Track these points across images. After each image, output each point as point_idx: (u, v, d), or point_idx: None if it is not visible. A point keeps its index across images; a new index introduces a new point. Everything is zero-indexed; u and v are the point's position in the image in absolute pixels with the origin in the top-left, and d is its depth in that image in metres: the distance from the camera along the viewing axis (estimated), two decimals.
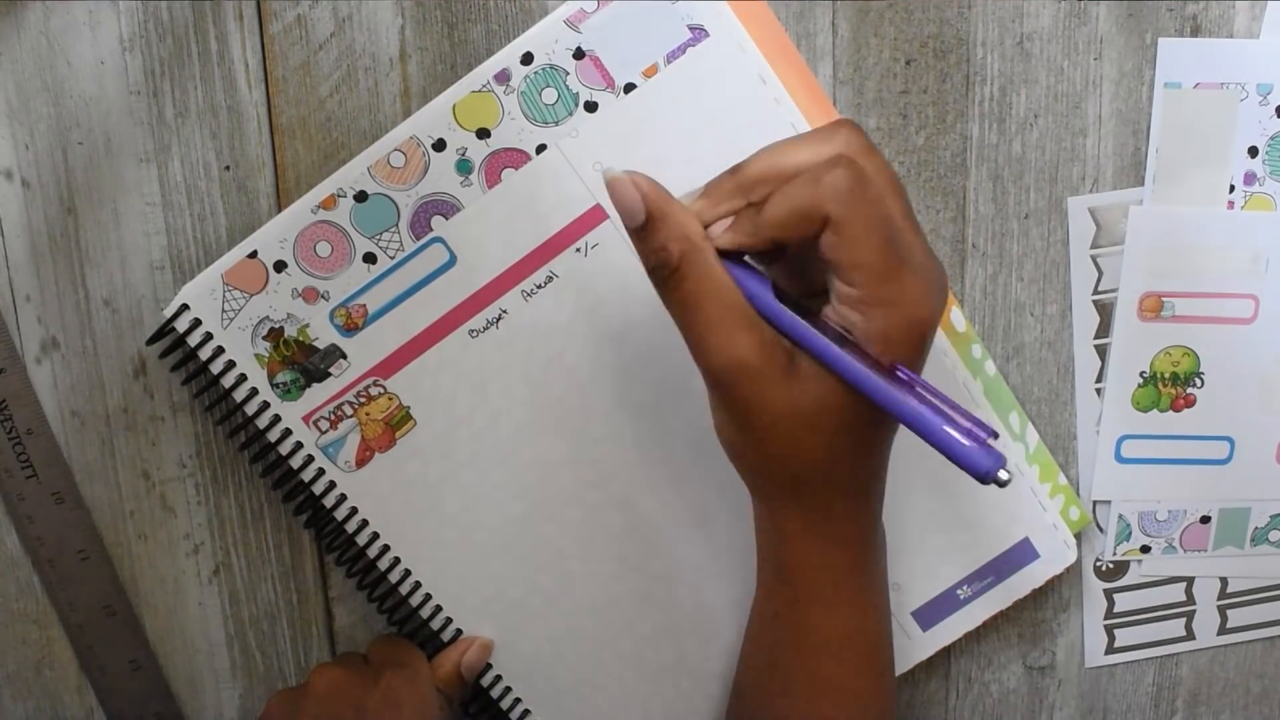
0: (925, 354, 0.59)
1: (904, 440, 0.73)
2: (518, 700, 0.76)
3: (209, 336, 0.68)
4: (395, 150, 0.67)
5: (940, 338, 0.74)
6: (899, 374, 0.57)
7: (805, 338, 0.58)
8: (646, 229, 0.59)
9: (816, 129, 0.59)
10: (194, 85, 0.68)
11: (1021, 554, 0.77)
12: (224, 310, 0.68)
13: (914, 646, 0.78)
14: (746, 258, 0.60)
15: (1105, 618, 0.82)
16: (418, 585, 0.73)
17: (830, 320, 0.58)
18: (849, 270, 0.56)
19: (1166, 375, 0.78)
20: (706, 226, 0.59)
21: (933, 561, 0.77)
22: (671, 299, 0.60)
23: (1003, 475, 0.55)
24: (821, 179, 0.56)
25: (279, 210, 0.70)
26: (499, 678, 0.75)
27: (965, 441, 0.55)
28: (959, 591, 0.77)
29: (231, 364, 0.69)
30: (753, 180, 0.58)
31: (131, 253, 0.69)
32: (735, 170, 0.59)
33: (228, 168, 0.69)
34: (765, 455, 0.61)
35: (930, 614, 0.78)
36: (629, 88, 0.68)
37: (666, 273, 0.59)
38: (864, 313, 0.57)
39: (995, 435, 0.56)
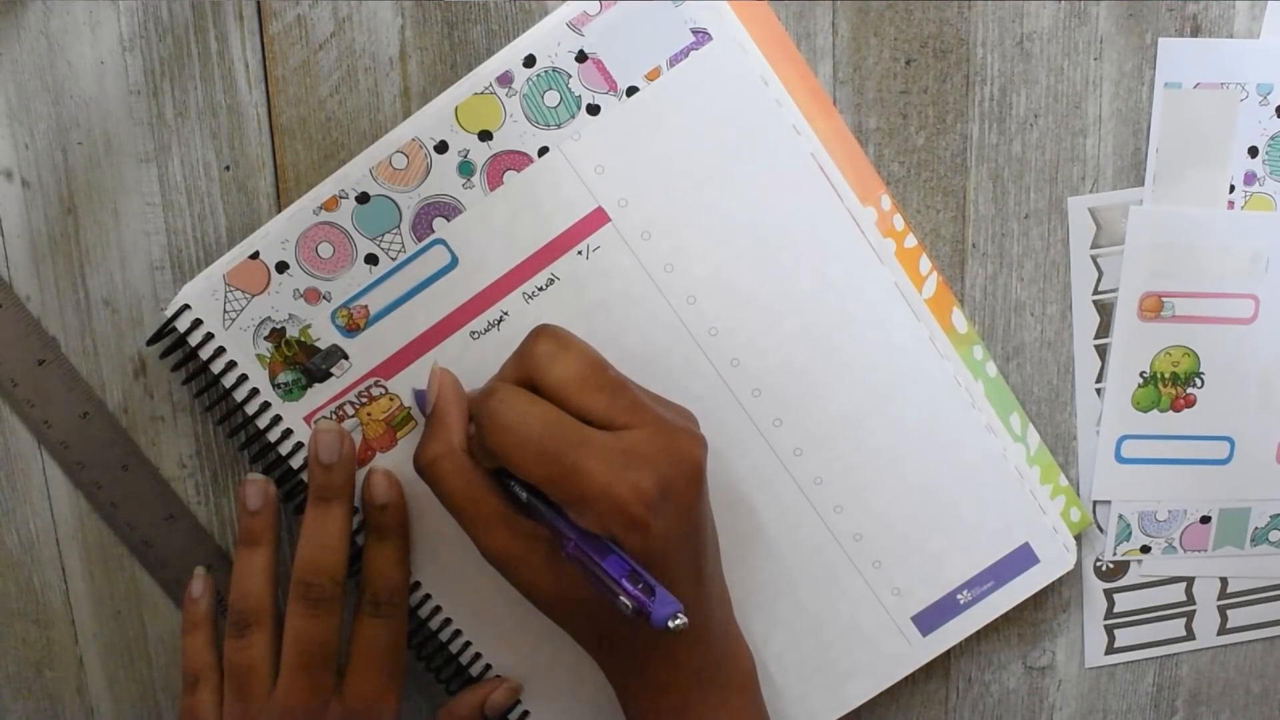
0: (652, 528, 0.64)
1: (904, 445, 0.75)
2: (517, 701, 0.77)
3: (210, 336, 0.70)
4: (397, 152, 0.69)
5: (942, 340, 0.75)
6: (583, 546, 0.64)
7: (554, 525, 0.66)
8: (427, 428, 0.69)
9: (520, 344, 0.68)
10: (194, 85, 0.69)
11: (1021, 558, 0.78)
12: (225, 310, 0.69)
13: (914, 651, 0.79)
14: None
15: (1105, 618, 0.83)
16: (417, 585, 0.74)
17: None
18: (539, 486, 0.65)
19: (1166, 375, 0.79)
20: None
21: (933, 566, 0.78)
22: (435, 492, 0.68)
23: (674, 622, 0.61)
24: (477, 419, 0.66)
25: (279, 210, 0.71)
26: (500, 678, 0.77)
27: (637, 596, 0.62)
28: (959, 596, 0.78)
29: (233, 364, 0.70)
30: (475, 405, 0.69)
31: (131, 253, 0.71)
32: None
33: (228, 168, 0.70)
34: (562, 622, 0.70)
35: (930, 619, 0.79)
36: (631, 90, 0.69)
37: (425, 468, 0.68)
38: (570, 511, 0.65)
39: (659, 596, 0.62)
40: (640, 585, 0.62)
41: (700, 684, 0.70)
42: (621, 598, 0.62)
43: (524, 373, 0.66)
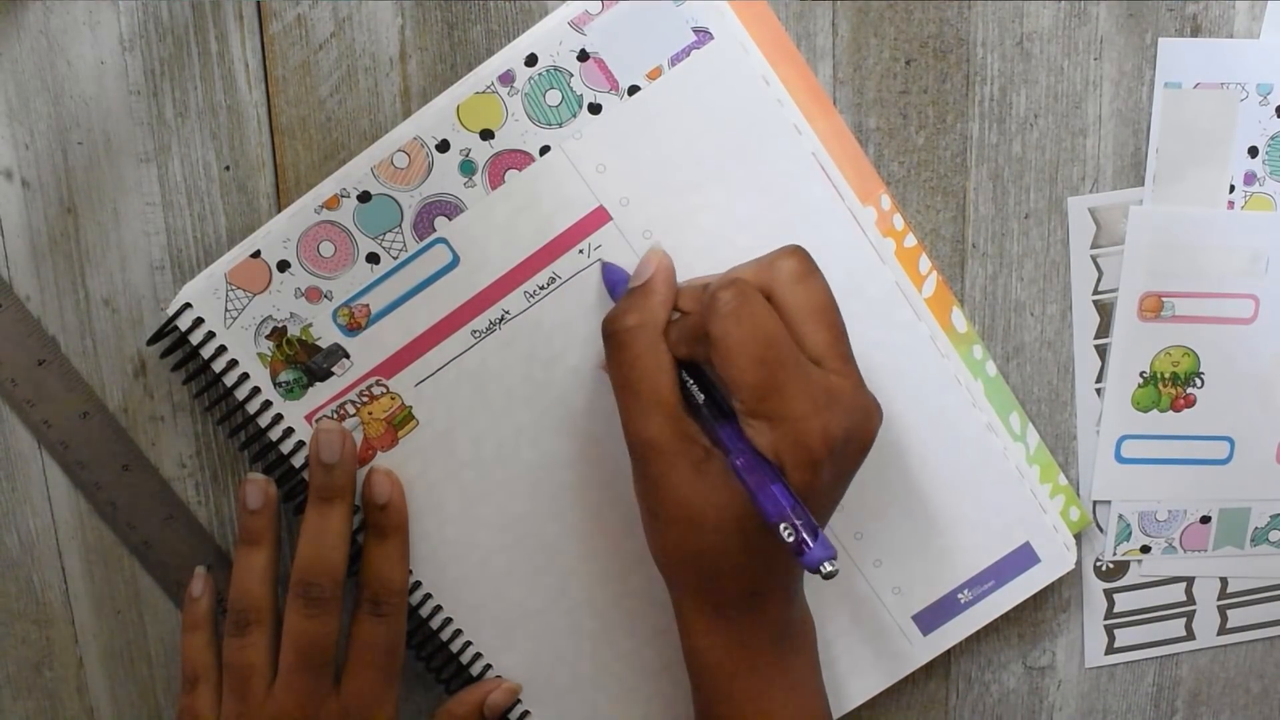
0: (820, 477, 0.64)
1: (904, 444, 0.76)
2: (518, 700, 0.78)
3: (211, 335, 0.70)
4: (399, 151, 0.69)
5: (942, 340, 0.76)
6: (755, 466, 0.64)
7: (717, 436, 0.66)
8: (629, 296, 0.68)
9: (769, 254, 0.66)
10: (194, 85, 0.70)
11: (1022, 558, 0.79)
12: (227, 309, 0.70)
13: (914, 651, 0.80)
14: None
15: (1105, 618, 0.84)
16: (418, 584, 0.75)
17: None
18: (729, 386, 0.63)
19: (1166, 375, 0.79)
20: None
21: (934, 565, 0.79)
22: (611, 359, 0.68)
23: (827, 567, 0.61)
24: (709, 301, 0.63)
25: (279, 210, 0.71)
26: (499, 678, 0.77)
27: (802, 534, 0.62)
28: (959, 595, 0.79)
29: (234, 363, 0.71)
30: (689, 294, 0.67)
31: (131, 253, 0.71)
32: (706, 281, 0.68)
33: (228, 168, 0.71)
34: (669, 540, 0.68)
35: (931, 618, 0.79)
36: (633, 90, 0.70)
37: (616, 333, 0.67)
38: (750, 425, 0.63)
39: (832, 554, 0.62)
40: (803, 522, 0.62)
41: (779, 642, 0.70)
42: (784, 526, 0.62)
43: (764, 280, 0.65)
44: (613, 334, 0.67)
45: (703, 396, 0.66)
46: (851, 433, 0.64)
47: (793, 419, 0.62)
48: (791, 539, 0.61)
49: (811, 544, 0.61)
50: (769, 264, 0.66)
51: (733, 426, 0.65)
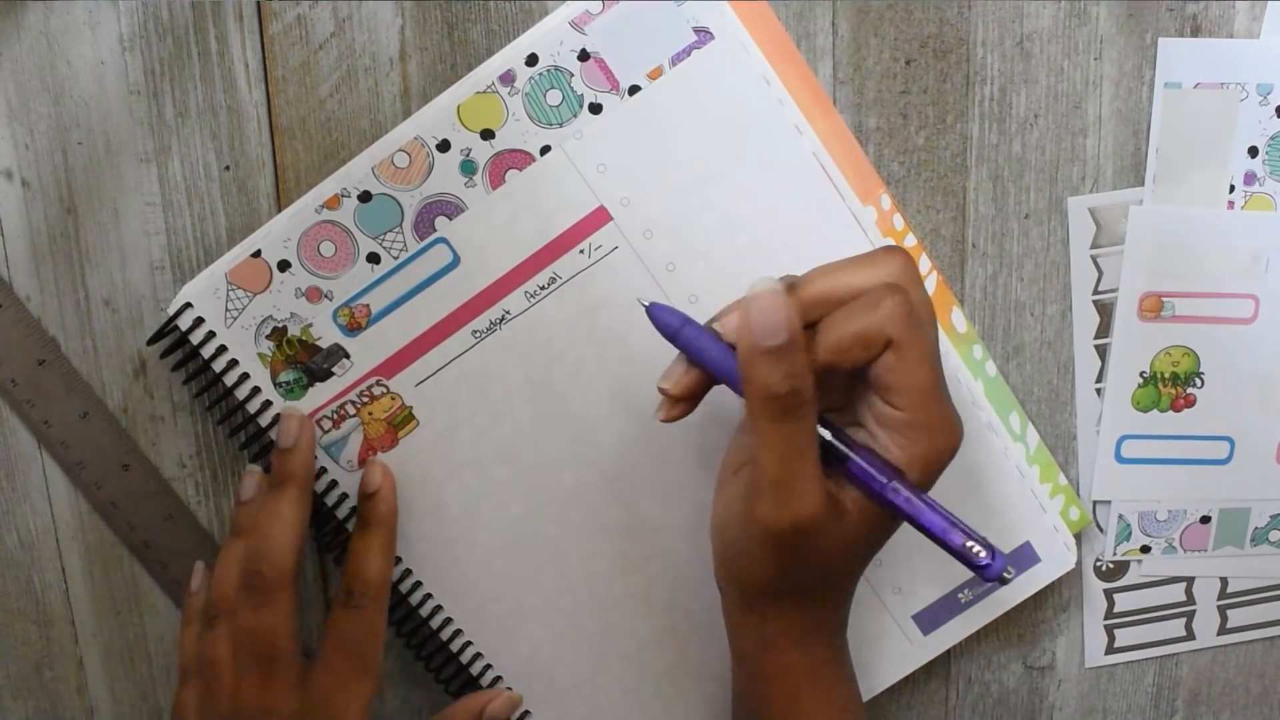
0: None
1: None
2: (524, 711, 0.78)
3: (211, 335, 0.71)
4: (399, 150, 0.69)
5: (941, 339, 0.74)
6: (913, 494, 0.63)
7: (858, 473, 0.64)
8: (784, 350, 0.61)
9: (868, 254, 0.64)
10: (194, 85, 0.70)
11: (1022, 558, 0.79)
12: (227, 309, 0.70)
13: (914, 651, 0.80)
14: None
15: (1105, 618, 0.84)
16: (418, 585, 0.75)
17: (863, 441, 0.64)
18: (901, 393, 0.62)
19: (1166, 375, 0.80)
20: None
21: (934, 565, 0.78)
22: (782, 433, 0.61)
23: (1009, 574, 0.63)
24: (881, 304, 0.61)
25: (279, 210, 0.72)
26: (499, 678, 0.77)
27: (978, 546, 0.63)
28: (960, 595, 0.79)
29: (234, 363, 0.71)
30: (810, 301, 0.62)
31: (131, 253, 0.72)
32: (792, 288, 0.62)
33: (228, 168, 0.71)
34: (781, 577, 0.66)
35: (931, 618, 0.80)
36: (634, 90, 0.70)
37: (797, 403, 0.61)
38: (906, 435, 0.62)
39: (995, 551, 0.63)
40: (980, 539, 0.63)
41: (845, 641, 0.71)
42: (968, 543, 0.63)
43: (892, 278, 0.63)
44: (782, 399, 0.61)
45: (833, 436, 0.64)
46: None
47: (946, 427, 0.63)
48: (980, 556, 0.63)
49: (993, 557, 0.63)
50: (880, 264, 0.63)
51: (869, 456, 0.63)
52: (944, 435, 0.63)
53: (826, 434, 0.64)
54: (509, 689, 0.78)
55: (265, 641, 0.70)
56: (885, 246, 0.65)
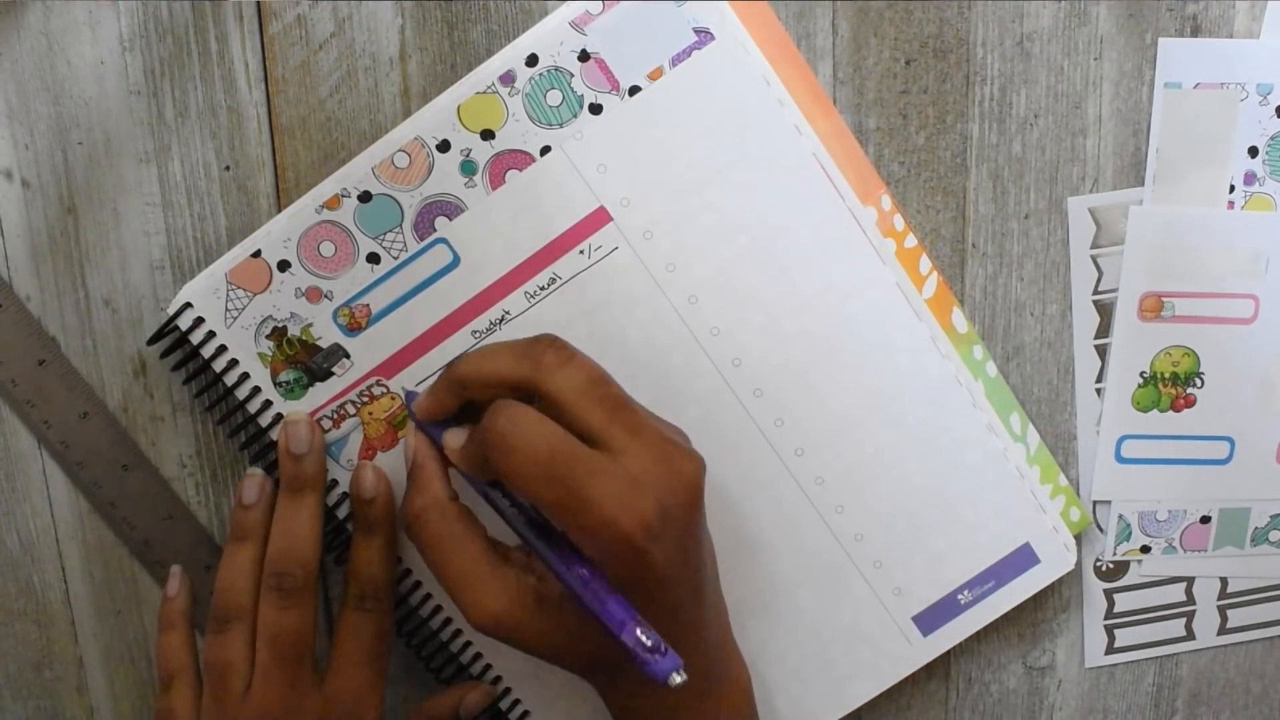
0: (653, 559, 0.64)
1: (904, 445, 0.76)
2: (517, 701, 0.78)
3: (211, 335, 0.71)
4: (399, 150, 0.70)
5: (942, 340, 0.76)
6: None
7: (545, 560, 0.67)
8: (410, 476, 0.69)
9: (522, 343, 0.66)
10: (194, 85, 0.70)
11: (1022, 558, 0.79)
12: (227, 309, 0.70)
13: (914, 652, 0.80)
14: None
15: (1105, 618, 0.84)
16: (418, 584, 0.76)
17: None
18: (541, 508, 0.65)
19: (1166, 375, 0.80)
20: (434, 418, 0.69)
21: (934, 566, 0.79)
22: (420, 551, 0.68)
23: (675, 679, 0.63)
24: (484, 436, 0.64)
25: (279, 210, 0.72)
26: (499, 678, 0.78)
27: (647, 654, 0.63)
28: (960, 596, 0.79)
29: (234, 363, 0.71)
30: (459, 382, 0.67)
31: (131, 253, 0.72)
32: (450, 366, 0.69)
33: (228, 168, 0.71)
34: (552, 661, 0.69)
35: (931, 619, 0.79)
36: (634, 90, 0.70)
37: (409, 525, 0.68)
38: (573, 539, 0.65)
39: (666, 652, 0.63)
40: (644, 632, 0.63)
41: (694, 698, 0.70)
42: (627, 644, 0.63)
43: (524, 374, 0.65)
44: (408, 524, 0.68)
45: (523, 529, 0.67)
46: (667, 502, 0.64)
47: (603, 524, 0.62)
48: (637, 652, 0.63)
49: (651, 662, 0.63)
50: (524, 356, 0.66)
51: (557, 544, 0.66)
52: (602, 531, 0.63)
53: (518, 524, 0.67)
54: (507, 687, 0.78)
55: (293, 642, 0.71)
56: (536, 337, 0.67)
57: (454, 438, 0.68)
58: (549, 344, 0.66)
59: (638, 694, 0.70)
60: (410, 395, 0.71)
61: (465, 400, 0.68)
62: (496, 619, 0.66)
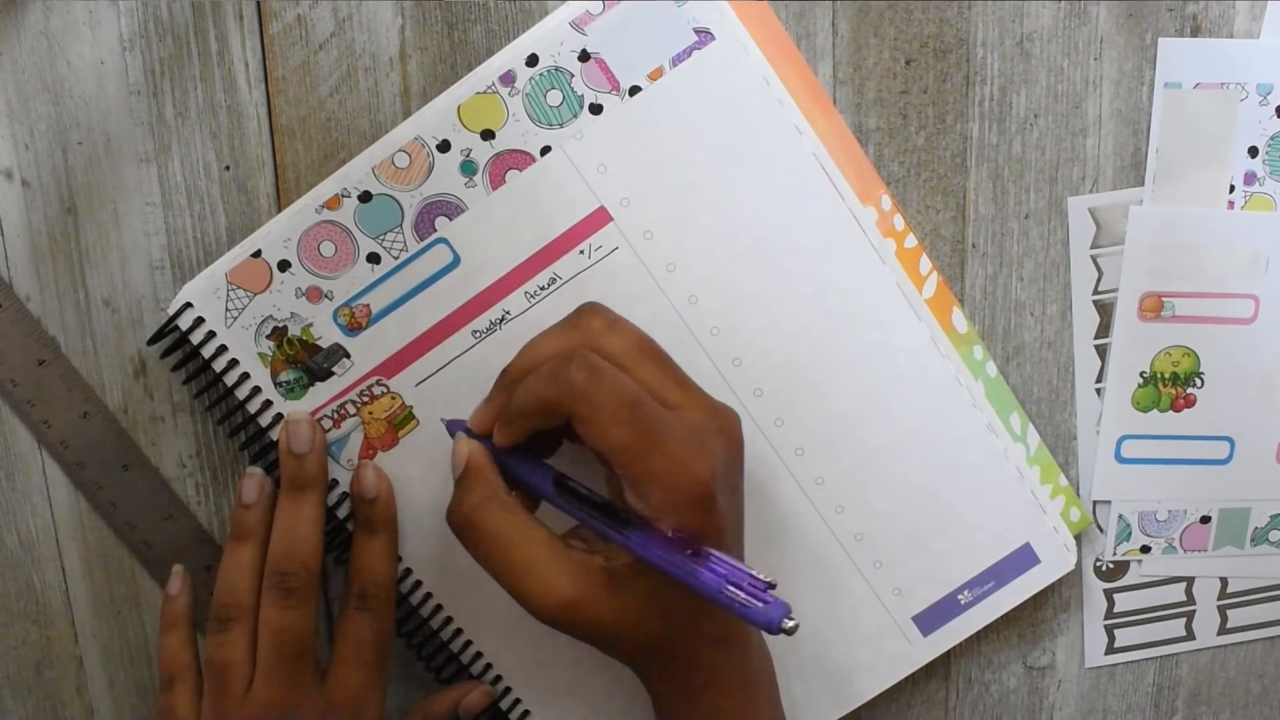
0: (718, 508, 0.64)
1: (905, 445, 0.76)
2: (518, 700, 0.79)
3: (212, 335, 0.71)
4: (400, 150, 0.70)
5: (942, 340, 0.76)
6: (681, 542, 0.64)
7: (612, 538, 0.66)
8: (461, 482, 0.68)
9: (567, 319, 0.67)
10: (194, 85, 0.70)
11: (1022, 559, 0.79)
12: (228, 309, 0.71)
13: (914, 652, 0.80)
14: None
15: (1105, 618, 0.84)
16: (418, 584, 0.76)
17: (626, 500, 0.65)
18: (609, 455, 0.63)
19: (1166, 375, 0.80)
20: (490, 429, 0.69)
21: (934, 566, 0.79)
22: (475, 549, 0.68)
23: (788, 624, 0.62)
24: (557, 376, 0.63)
25: (279, 210, 0.72)
26: (499, 678, 0.78)
27: (751, 601, 0.62)
28: (960, 596, 0.80)
29: (234, 362, 0.71)
30: (513, 377, 0.67)
31: (131, 253, 0.72)
32: (504, 371, 0.69)
33: (228, 168, 0.72)
34: (614, 651, 0.69)
35: (931, 619, 0.80)
36: (634, 90, 0.70)
37: (466, 517, 0.67)
38: (638, 490, 0.64)
39: (773, 585, 0.63)
40: (749, 582, 0.63)
41: (736, 693, 0.70)
42: (738, 603, 0.62)
43: (577, 343, 0.66)
44: (463, 521, 0.67)
45: (584, 512, 0.67)
46: (726, 453, 0.66)
47: (678, 470, 0.63)
48: (745, 606, 0.62)
49: (766, 611, 0.62)
50: (574, 327, 0.67)
51: (621, 521, 0.66)
52: (672, 480, 0.63)
53: (577, 509, 0.67)
54: (507, 687, 0.78)
55: (295, 642, 0.71)
56: (581, 306, 0.68)
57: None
58: (593, 312, 0.67)
59: (690, 680, 0.69)
60: (454, 424, 0.71)
61: None
62: (569, 601, 0.65)
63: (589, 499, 0.67)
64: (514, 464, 0.69)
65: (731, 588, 0.62)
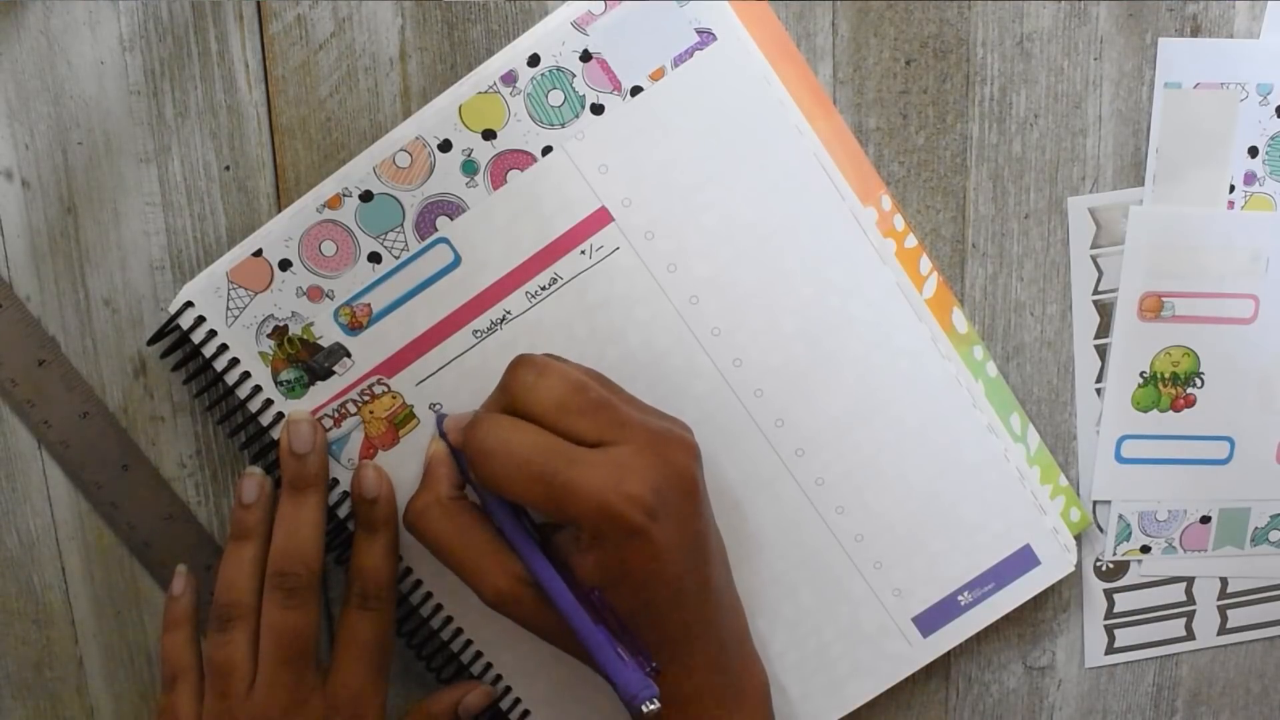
0: (650, 533, 0.66)
1: (905, 446, 0.77)
2: (518, 700, 0.79)
3: (213, 334, 0.71)
4: (401, 150, 0.70)
5: (943, 341, 0.77)
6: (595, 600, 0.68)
7: (530, 567, 0.69)
8: (419, 487, 0.72)
9: (503, 378, 0.69)
10: (194, 85, 0.71)
11: (1022, 560, 0.80)
12: (228, 308, 0.71)
13: (914, 652, 0.81)
14: None
15: (1105, 618, 0.85)
16: (419, 584, 0.76)
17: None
18: (532, 510, 0.69)
19: (1166, 375, 0.80)
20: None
21: (934, 567, 0.79)
22: (426, 545, 0.71)
23: (648, 708, 0.65)
24: (466, 453, 0.67)
25: (279, 210, 0.73)
26: (499, 677, 0.78)
27: (624, 666, 0.66)
28: (960, 597, 0.80)
29: (235, 361, 0.72)
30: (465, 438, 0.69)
31: (131, 253, 0.73)
32: (485, 402, 0.71)
33: (228, 168, 0.72)
34: (570, 653, 0.71)
35: (931, 620, 0.80)
36: (635, 90, 0.71)
37: (412, 523, 0.71)
38: (571, 536, 0.68)
39: (657, 670, 0.67)
40: (625, 658, 0.66)
41: (713, 701, 0.71)
42: (607, 669, 0.66)
43: (507, 403, 0.67)
44: (412, 524, 0.71)
45: (522, 546, 0.69)
46: (660, 484, 0.66)
47: (593, 506, 0.64)
48: (613, 681, 0.66)
49: (630, 688, 0.65)
50: (504, 386, 0.69)
51: (544, 555, 0.69)
52: (590, 515, 0.65)
53: (517, 535, 0.70)
54: (507, 686, 0.79)
55: (297, 642, 0.72)
56: (515, 360, 0.69)
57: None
58: (519, 364, 0.68)
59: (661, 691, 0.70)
60: (441, 416, 0.73)
61: None
62: (502, 595, 0.69)
63: (515, 523, 0.70)
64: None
65: (616, 659, 0.66)
